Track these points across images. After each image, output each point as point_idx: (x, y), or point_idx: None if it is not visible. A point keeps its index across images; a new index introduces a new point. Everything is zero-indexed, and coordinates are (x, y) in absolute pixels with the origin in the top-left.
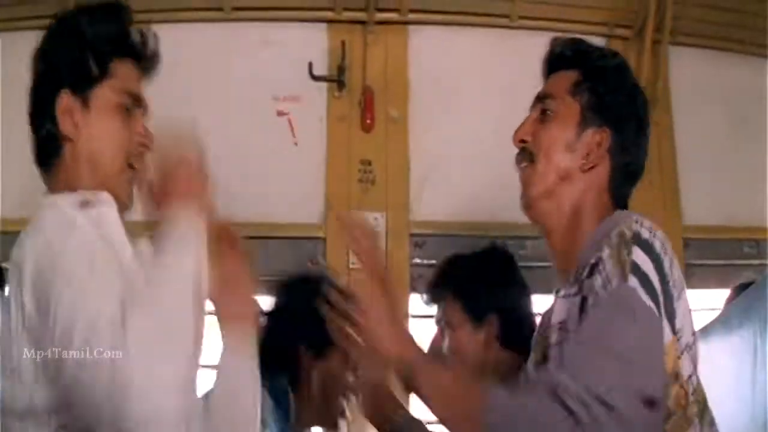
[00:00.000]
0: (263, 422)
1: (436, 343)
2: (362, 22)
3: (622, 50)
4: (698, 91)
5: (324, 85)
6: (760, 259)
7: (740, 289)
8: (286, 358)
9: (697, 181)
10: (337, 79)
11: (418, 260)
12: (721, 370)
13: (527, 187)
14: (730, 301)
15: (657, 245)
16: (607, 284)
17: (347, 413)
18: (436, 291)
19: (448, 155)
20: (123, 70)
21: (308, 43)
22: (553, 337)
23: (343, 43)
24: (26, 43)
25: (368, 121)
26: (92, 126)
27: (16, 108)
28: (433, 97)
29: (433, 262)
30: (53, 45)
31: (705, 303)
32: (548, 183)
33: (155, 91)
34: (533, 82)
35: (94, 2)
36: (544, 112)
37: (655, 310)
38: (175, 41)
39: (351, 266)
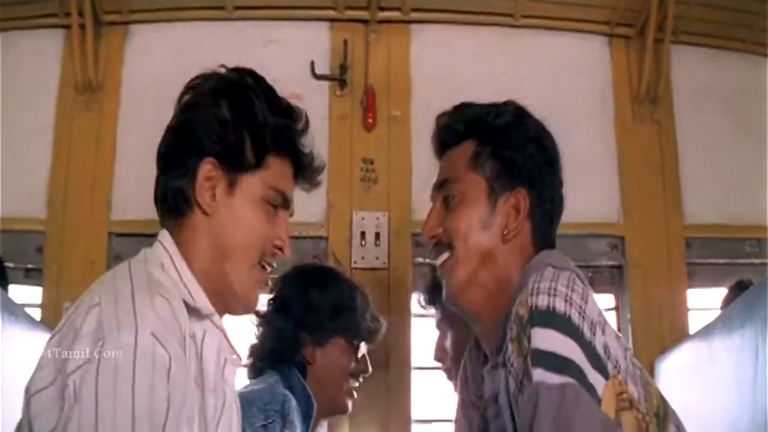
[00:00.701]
0: (291, 423)
1: (439, 347)
2: (364, 21)
3: (624, 49)
4: (700, 89)
5: (326, 84)
6: (761, 257)
7: (736, 288)
8: (289, 347)
9: (699, 179)
10: (339, 78)
11: (420, 259)
12: (722, 369)
13: (450, 278)
14: (725, 300)
15: (558, 304)
16: (517, 389)
17: (355, 395)
18: (435, 292)
19: None
20: (278, 166)
21: (310, 42)
22: (490, 410)
23: (345, 42)
24: (27, 43)
25: (370, 120)
26: (234, 211)
27: (16, 107)
28: (436, 95)
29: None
30: (215, 109)
31: (706, 302)
32: (471, 269)
33: (156, 89)
34: (536, 80)
35: (269, 89)
36: (446, 200)
37: (576, 382)
38: (176, 40)
39: (353, 265)
